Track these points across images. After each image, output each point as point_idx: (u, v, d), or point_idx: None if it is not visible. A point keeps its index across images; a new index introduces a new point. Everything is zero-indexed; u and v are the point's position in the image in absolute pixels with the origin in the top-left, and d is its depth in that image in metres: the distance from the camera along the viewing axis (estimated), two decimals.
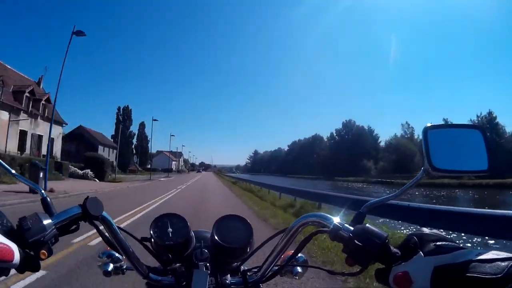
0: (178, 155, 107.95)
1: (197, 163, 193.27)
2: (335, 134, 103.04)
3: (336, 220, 0.54)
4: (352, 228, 0.51)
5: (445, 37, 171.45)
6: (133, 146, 61.29)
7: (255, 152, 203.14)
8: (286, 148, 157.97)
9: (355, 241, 0.48)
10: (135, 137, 62.18)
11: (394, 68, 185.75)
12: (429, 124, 0.53)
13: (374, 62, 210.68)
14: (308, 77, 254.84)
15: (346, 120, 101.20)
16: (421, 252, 0.44)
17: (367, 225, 0.51)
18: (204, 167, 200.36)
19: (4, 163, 0.57)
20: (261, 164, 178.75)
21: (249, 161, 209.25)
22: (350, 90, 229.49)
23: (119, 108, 62.51)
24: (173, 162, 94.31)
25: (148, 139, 63.62)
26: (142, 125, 66.17)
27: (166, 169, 75.98)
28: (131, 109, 63.47)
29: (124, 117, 63.33)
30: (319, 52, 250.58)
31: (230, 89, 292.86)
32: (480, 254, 0.39)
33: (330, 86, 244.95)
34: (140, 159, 61.43)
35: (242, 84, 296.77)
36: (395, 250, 0.48)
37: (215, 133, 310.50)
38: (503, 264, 0.37)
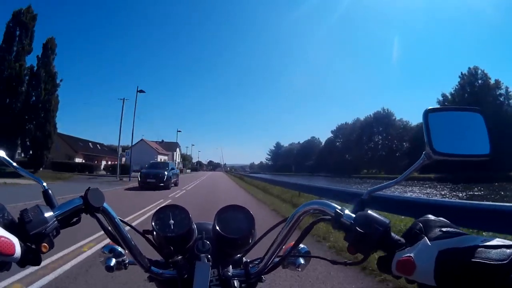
0: (171, 147, 68.18)
1: (204, 162, 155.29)
2: (459, 88, 51.96)
3: (338, 207, 0.53)
4: (353, 215, 0.50)
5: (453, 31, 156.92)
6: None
7: (277, 145, 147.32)
8: (319, 137, 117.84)
9: (357, 228, 0.47)
10: (27, 79, 22.49)
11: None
12: (429, 107, 0.52)
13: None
14: (324, 69, 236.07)
15: (471, 68, 52.00)
16: (426, 237, 0.43)
17: (369, 211, 0.50)
18: (213, 166, 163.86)
19: (5, 156, 0.57)
20: (286, 159, 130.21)
21: (269, 156, 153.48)
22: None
23: (14, 14, 22.57)
24: (162, 157, 58.82)
25: (59, 82, 24.81)
26: (48, 48, 24.27)
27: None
28: (36, 15, 24.20)
29: (19, 30, 22.24)
30: (335, 41, 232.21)
31: (237, 86, 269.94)
32: (486, 240, 0.39)
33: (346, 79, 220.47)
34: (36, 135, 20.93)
35: (249, 79, 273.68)
36: (397, 237, 0.47)
37: (225, 129, 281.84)
38: (508, 251, 0.36)
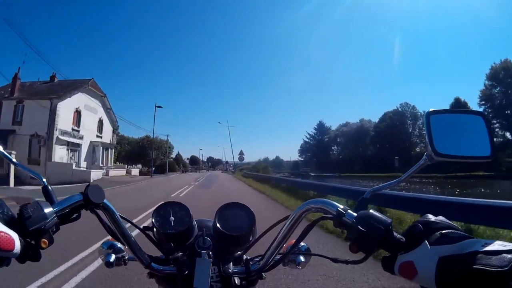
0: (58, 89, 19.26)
1: (203, 158, 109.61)
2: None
3: (340, 206, 0.54)
4: (355, 214, 0.51)
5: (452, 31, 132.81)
6: None
7: (320, 127, 77.71)
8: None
9: (359, 227, 0.47)
10: None
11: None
12: (431, 109, 0.53)
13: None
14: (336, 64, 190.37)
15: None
16: (426, 241, 0.43)
17: (370, 210, 0.50)
18: (212, 163, 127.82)
19: (5, 153, 0.57)
20: (348, 150, 73.90)
21: (305, 145, 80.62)
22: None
23: None
24: None
25: None
26: None
27: None
28: None
29: None
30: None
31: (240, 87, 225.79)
32: (486, 244, 0.38)
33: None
34: None
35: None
36: (399, 236, 0.47)
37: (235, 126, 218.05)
38: (508, 256, 0.36)
